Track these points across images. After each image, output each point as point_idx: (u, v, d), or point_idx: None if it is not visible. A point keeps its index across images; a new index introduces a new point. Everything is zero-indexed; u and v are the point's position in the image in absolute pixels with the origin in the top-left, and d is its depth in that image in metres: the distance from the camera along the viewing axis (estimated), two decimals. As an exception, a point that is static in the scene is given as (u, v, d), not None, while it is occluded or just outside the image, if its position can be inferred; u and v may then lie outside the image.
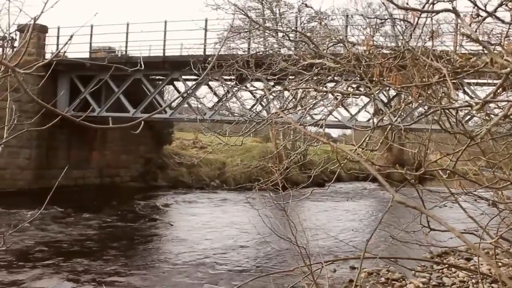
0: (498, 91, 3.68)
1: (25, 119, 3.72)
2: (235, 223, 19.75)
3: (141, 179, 30.72)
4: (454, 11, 3.36)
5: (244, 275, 12.23)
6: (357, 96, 10.56)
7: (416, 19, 4.03)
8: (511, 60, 2.83)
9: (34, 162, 25.02)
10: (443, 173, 4.26)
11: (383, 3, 5.80)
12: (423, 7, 3.82)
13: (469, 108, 3.45)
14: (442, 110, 3.86)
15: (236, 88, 15.67)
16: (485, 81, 7.24)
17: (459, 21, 3.48)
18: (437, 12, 3.65)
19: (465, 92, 14.35)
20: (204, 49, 22.86)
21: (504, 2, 3.60)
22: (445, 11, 3.41)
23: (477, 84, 12.02)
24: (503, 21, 3.65)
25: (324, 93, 7.54)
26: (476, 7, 3.50)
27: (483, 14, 3.53)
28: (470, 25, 3.49)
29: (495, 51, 3.79)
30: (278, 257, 13.87)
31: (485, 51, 3.52)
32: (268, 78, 9.82)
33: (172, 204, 25.03)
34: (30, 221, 14.70)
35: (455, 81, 4.51)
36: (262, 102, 18.93)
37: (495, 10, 3.45)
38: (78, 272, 12.13)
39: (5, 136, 3.35)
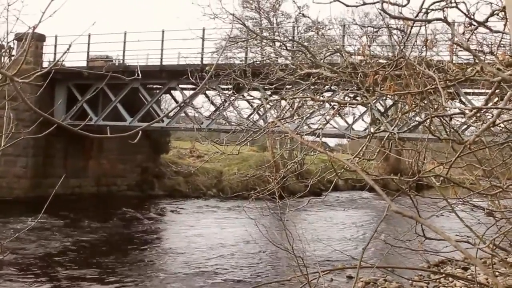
0: (495, 99, 3.71)
1: (22, 128, 3.72)
2: (232, 232, 19.72)
3: (138, 188, 30.68)
4: (445, 20, 3.39)
5: (241, 285, 12.20)
6: (354, 106, 10.58)
7: (410, 28, 4.05)
8: (502, 69, 2.85)
9: (30, 170, 24.98)
10: (436, 180, 4.28)
11: (379, 13, 5.83)
12: (416, 16, 3.85)
13: (462, 115, 3.47)
14: (436, 118, 3.87)
15: (233, 97, 15.71)
16: (482, 90, 7.28)
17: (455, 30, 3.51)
18: (429, 21, 3.68)
19: (461, 102, 14.43)
20: (202, 58, 22.93)
21: (495, 12, 3.63)
22: (437, 21, 3.43)
23: (473, 93, 12.09)
24: (491, 30, 3.69)
25: (321, 103, 7.55)
26: (467, 17, 3.54)
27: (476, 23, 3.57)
28: (463, 33, 3.52)
29: (488, 60, 3.81)
30: (275, 266, 13.84)
31: (487, 60, 3.55)
32: (265, 87, 9.85)
33: (168, 213, 24.97)
34: (26, 230, 14.66)
35: (450, 90, 4.53)
36: (259, 111, 18.97)
37: (487, 20, 3.48)
38: (74, 281, 12.07)
39: (2, 145, 3.35)
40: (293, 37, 19.10)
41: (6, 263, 12.67)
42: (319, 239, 15.56)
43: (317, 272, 5.23)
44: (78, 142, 25.58)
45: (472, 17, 3.53)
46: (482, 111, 4.06)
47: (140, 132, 2.73)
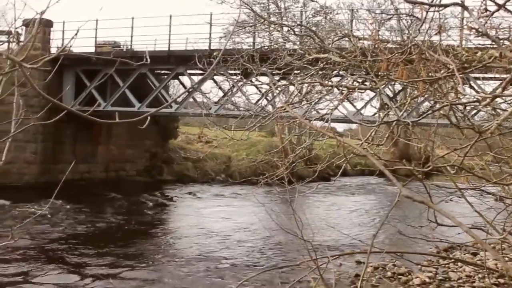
0: (507, 86, 3.65)
1: (32, 114, 3.71)
2: (241, 217, 19.78)
3: (147, 173, 30.81)
4: (462, 4, 3.33)
5: (251, 269, 12.25)
6: (363, 91, 10.54)
7: (425, 13, 3.98)
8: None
9: (40, 156, 25.11)
10: (450, 168, 4.24)
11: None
12: (432, 1, 3.78)
13: (477, 103, 3.42)
14: (449, 105, 3.83)
15: (241, 83, 15.66)
16: (492, 75, 7.20)
17: (467, 15, 3.45)
18: (446, 6, 3.62)
19: (471, 87, 14.31)
20: (209, 44, 22.87)
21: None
22: (453, 5, 3.37)
23: (484, 78, 12.00)
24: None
25: (330, 88, 7.51)
26: (485, 0, 3.47)
27: (491, 9, 3.50)
28: (478, 19, 3.46)
29: (504, 46, 3.75)
30: (284, 251, 13.89)
31: (493, 46, 3.49)
32: (273, 72, 9.79)
33: (177, 198, 25.08)
34: (37, 215, 14.77)
35: (462, 75, 4.48)
36: (267, 97, 18.92)
37: (505, 3, 3.42)
38: (84, 266, 12.17)
39: (12, 131, 3.35)
40: (301, 22, 18.99)
41: (16, 248, 12.78)
42: (328, 224, 15.58)
43: (327, 257, 5.24)
44: (87, 127, 25.68)
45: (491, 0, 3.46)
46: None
47: (149, 117, 2.72)
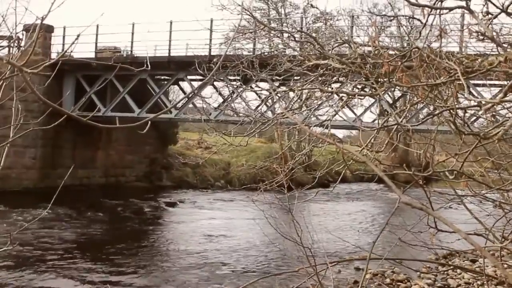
0: (509, 91, 3.65)
1: (31, 119, 3.72)
2: (240, 223, 19.75)
3: (146, 179, 30.77)
4: (468, 8, 3.32)
5: (249, 276, 12.22)
6: (363, 97, 10.52)
7: (427, 16, 3.96)
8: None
9: (39, 161, 25.09)
10: (449, 174, 4.24)
11: (389, 3, 5.78)
12: (434, 4, 3.76)
13: (478, 108, 3.42)
14: (450, 111, 3.82)
15: (241, 89, 15.67)
16: (491, 82, 7.21)
17: (472, 19, 3.45)
18: (450, 9, 3.60)
19: (470, 93, 14.33)
20: (210, 49, 22.90)
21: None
22: (458, 8, 3.36)
23: (484, 85, 12.03)
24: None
25: (329, 94, 7.51)
26: (487, 4, 3.46)
27: (494, 13, 3.49)
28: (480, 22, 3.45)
29: (508, 50, 3.74)
30: (283, 258, 13.85)
31: (494, 52, 3.49)
32: (273, 78, 9.79)
33: (177, 204, 25.03)
34: (36, 221, 14.74)
35: (460, 81, 4.48)
36: (267, 103, 18.92)
37: (507, 7, 3.40)
38: (83, 272, 12.14)
39: (11, 136, 3.35)
40: (301, 28, 19.02)
41: (15, 254, 12.75)
42: (327, 230, 15.55)
43: (325, 264, 5.22)
44: (87, 133, 25.67)
45: (494, 4, 3.44)
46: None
47: (149, 122, 2.72)
